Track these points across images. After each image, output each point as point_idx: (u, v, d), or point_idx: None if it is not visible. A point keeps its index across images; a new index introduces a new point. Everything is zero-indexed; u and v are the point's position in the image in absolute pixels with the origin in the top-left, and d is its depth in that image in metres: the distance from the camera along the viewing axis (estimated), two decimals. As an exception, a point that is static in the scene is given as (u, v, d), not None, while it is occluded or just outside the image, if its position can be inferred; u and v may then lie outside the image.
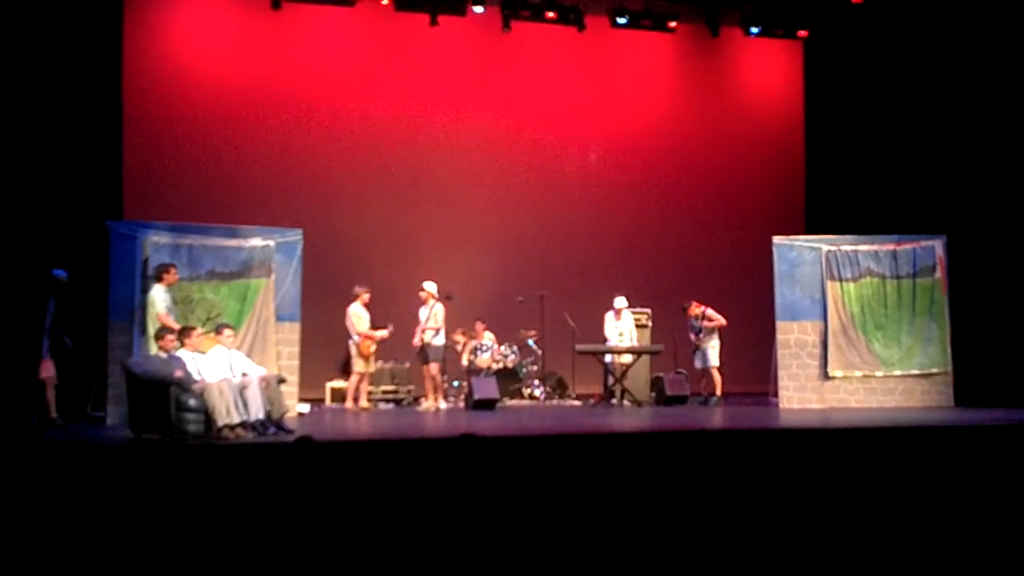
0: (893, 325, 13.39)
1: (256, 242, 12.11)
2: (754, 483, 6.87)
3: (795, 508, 6.13)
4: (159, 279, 11.02)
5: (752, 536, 5.52)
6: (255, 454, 8.61)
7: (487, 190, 15.94)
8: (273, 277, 12.11)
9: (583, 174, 16.45)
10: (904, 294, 13.41)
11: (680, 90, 17.18)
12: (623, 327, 14.16)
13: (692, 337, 14.17)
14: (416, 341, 13.32)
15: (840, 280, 13.38)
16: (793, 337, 13.30)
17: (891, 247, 13.48)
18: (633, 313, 14.38)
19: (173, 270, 11.15)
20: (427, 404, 13.37)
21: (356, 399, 12.91)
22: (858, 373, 13.28)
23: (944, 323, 13.37)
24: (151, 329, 10.63)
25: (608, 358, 14.15)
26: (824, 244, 13.51)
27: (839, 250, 13.43)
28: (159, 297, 10.89)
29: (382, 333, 12.95)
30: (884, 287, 13.43)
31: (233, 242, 11.99)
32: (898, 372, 13.30)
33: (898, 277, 13.43)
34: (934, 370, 13.31)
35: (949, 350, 13.33)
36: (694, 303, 14.19)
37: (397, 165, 15.54)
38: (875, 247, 13.48)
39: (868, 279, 13.41)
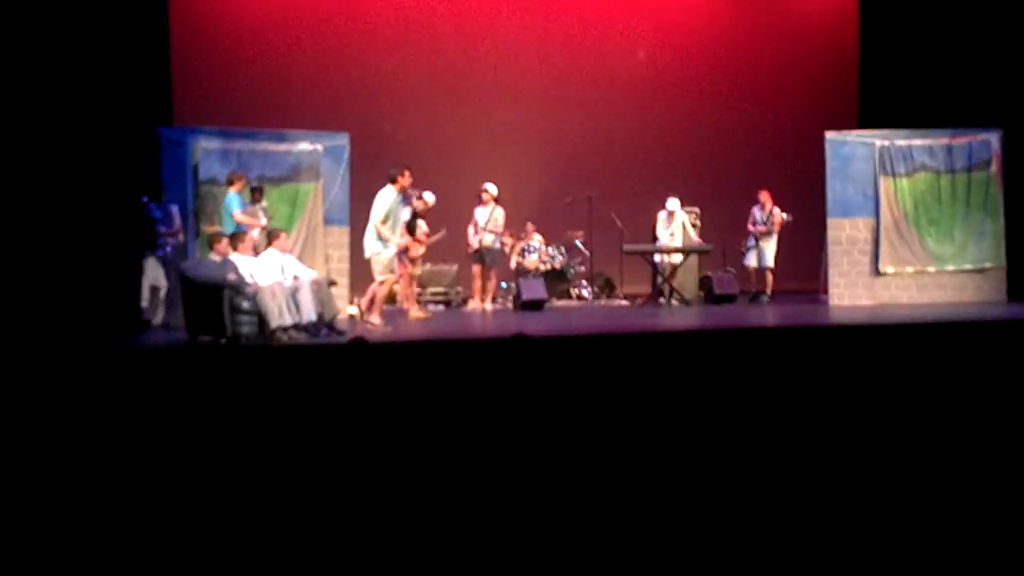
0: (947, 220, 13.22)
1: (304, 146, 12.12)
2: (805, 381, 6.88)
3: (846, 408, 6.14)
4: (231, 184, 11.25)
5: (802, 439, 5.55)
6: (309, 355, 8.76)
7: (534, 90, 15.77)
8: (322, 181, 12.14)
9: (631, 72, 16.19)
10: (958, 189, 13.21)
11: (730, -18, 16.76)
12: (674, 227, 14.07)
13: (751, 228, 13.96)
14: (474, 242, 13.27)
15: (893, 175, 13.18)
16: (844, 234, 13.17)
17: (946, 141, 13.23)
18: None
19: (244, 177, 11.41)
20: (474, 304, 13.39)
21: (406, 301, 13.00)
22: (910, 269, 13.16)
23: (998, 218, 13.18)
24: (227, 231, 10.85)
25: (657, 258, 14.11)
26: (877, 139, 13.27)
27: (892, 144, 13.20)
28: (234, 202, 11.12)
29: (436, 237, 12.96)
30: (938, 182, 13.22)
31: (282, 147, 12.02)
32: (951, 267, 13.17)
33: (952, 171, 13.21)
34: (987, 265, 13.17)
35: (1003, 245, 13.16)
36: (767, 193, 13.99)
37: (443, 65, 15.40)
38: (929, 141, 13.24)
39: (922, 174, 13.20)
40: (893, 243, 13.13)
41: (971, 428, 5.57)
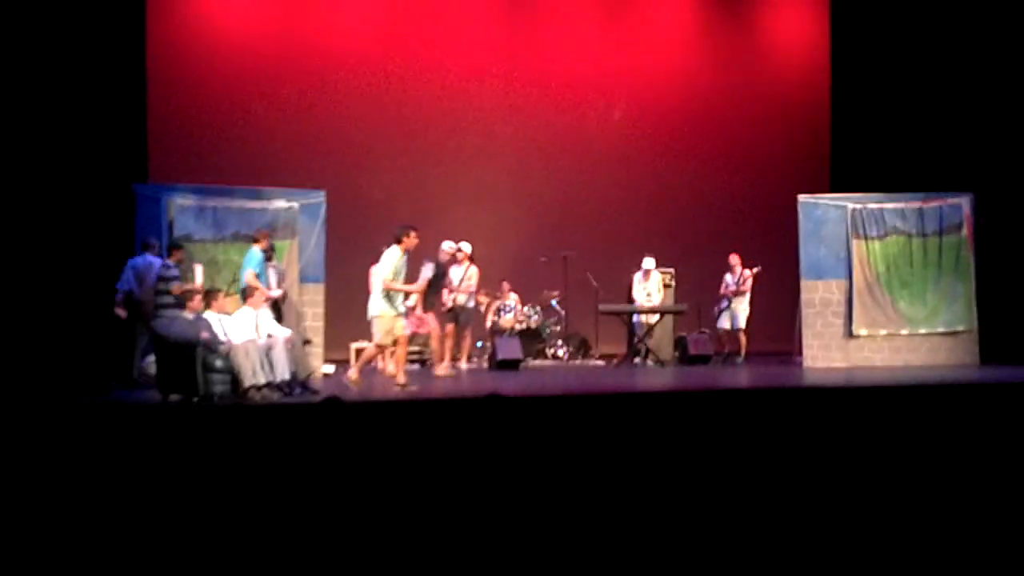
0: (919, 283, 13.33)
1: (280, 204, 12.13)
2: (779, 442, 6.87)
3: (820, 467, 6.14)
4: (255, 241, 11.10)
5: (776, 496, 5.53)
6: (282, 414, 8.68)
7: (510, 149, 15.89)
8: (297, 239, 12.14)
9: (607, 132, 16.35)
10: (930, 252, 13.34)
11: (704, 46, 17.02)
12: (651, 287, 14.15)
13: (723, 289, 14.06)
14: (448, 302, 13.19)
15: (866, 238, 13.31)
16: (818, 296, 13.26)
17: (917, 205, 13.38)
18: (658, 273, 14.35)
19: (268, 235, 11.25)
20: (442, 369, 12.25)
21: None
22: (883, 331, 13.24)
23: (970, 281, 13.31)
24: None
25: (633, 318, 14.15)
26: (849, 202, 13.42)
27: (864, 208, 13.35)
28: (253, 260, 10.89)
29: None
30: (910, 245, 13.35)
31: (257, 204, 12.04)
32: (923, 330, 13.27)
33: (924, 235, 13.36)
34: (960, 328, 13.28)
35: (975, 308, 13.28)
36: (737, 256, 14.10)
37: (420, 125, 15.50)
38: (901, 205, 13.39)
39: (894, 237, 13.34)
40: (866, 305, 13.22)
41: (945, 490, 5.57)
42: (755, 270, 13.91)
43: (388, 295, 10.31)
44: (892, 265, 13.29)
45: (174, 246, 11.21)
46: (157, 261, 11.07)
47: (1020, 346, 12.98)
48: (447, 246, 12.65)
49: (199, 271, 11.09)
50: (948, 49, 14.81)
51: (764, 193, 16.07)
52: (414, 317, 11.71)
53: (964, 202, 13.36)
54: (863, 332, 13.20)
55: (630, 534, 4.86)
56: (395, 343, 10.47)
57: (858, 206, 13.35)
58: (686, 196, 16.37)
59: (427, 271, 11.75)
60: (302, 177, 13.46)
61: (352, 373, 10.51)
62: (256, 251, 10.99)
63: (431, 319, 12.13)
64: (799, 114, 16.95)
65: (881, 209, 13.36)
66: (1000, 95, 14.25)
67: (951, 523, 4.93)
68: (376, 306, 10.38)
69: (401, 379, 10.42)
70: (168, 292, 10.77)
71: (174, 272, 10.92)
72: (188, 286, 10.66)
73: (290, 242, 12.10)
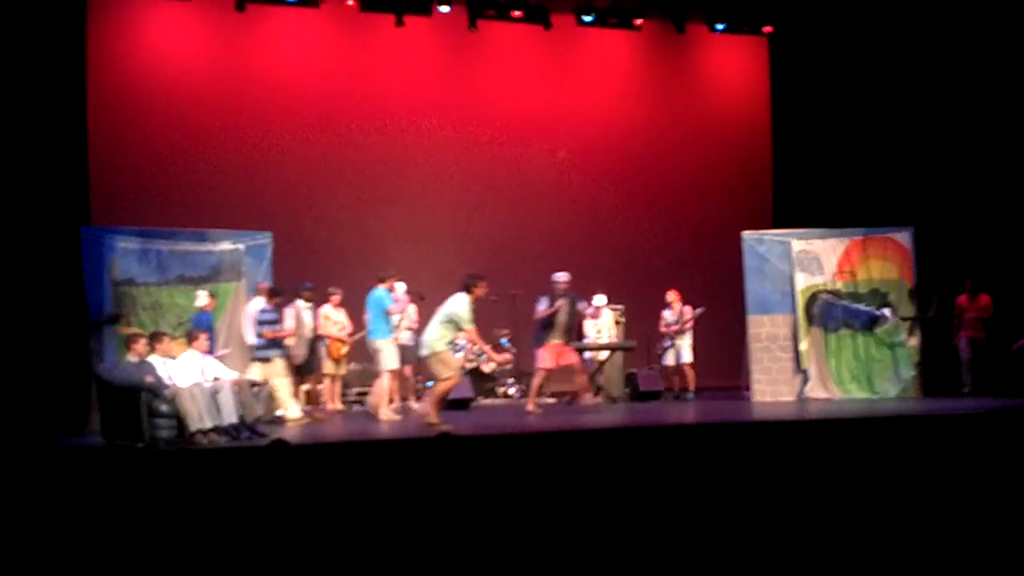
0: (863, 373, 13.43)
1: (226, 246, 12.03)
2: (730, 477, 6.90)
3: (771, 501, 6.16)
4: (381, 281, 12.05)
5: (728, 530, 5.54)
6: (229, 458, 8.56)
7: (456, 189, 15.92)
8: (244, 280, 12.04)
9: (552, 172, 16.44)
10: (872, 348, 13.41)
11: (647, 87, 17.22)
12: (601, 324, 14.18)
13: (664, 329, 14.16)
14: (589, 334, 13.58)
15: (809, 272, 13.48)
16: (764, 331, 13.38)
17: (860, 240, 13.55)
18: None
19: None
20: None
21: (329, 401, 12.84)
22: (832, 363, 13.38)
23: (912, 314, 13.47)
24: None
25: (586, 355, 14.16)
26: (792, 238, 13.59)
27: (808, 250, 13.48)
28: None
29: (359, 335, 12.89)
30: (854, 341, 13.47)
31: (202, 246, 11.92)
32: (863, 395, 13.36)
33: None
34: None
35: (918, 341, 13.41)
36: (676, 293, 14.19)
37: (365, 166, 15.49)
38: (844, 240, 13.54)
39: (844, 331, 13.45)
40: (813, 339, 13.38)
41: (894, 519, 5.62)
42: (699, 311, 13.98)
43: (445, 334, 10.58)
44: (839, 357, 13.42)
45: (273, 292, 11.60)
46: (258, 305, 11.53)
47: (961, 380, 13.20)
48: (561, 276, 12.73)
49: (289, 315, 11.62)
50: (884, 86, 15.15)
51: (709, 229, 16.24)
52: (553, 348, 12.38)
53: (904, 236, 13.55)
54: (807, 365, 13.32)
55: (583, 570, 4.84)
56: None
57: (801, 248, 13.48)
58: (633, 233, 16.49)
59: (541, 304, 12.57)
60: (247, 219, 13.37)
61: (431, 418, 10.41)
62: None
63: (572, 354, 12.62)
64: (741, 151, 17.19)
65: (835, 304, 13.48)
66: (938, 131, 14.56)
67: (901, 552, 4.97)
68: (435, 344, 10.52)
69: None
70: (260, 336, 11.28)
71: (270, 316, 11.37)
72: (131, 329, 10.54)
73: (236, 284, 11.99)
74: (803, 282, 13.43)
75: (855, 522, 5.63)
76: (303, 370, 12.20)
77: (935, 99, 14.59)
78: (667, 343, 14.13)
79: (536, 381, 12.54)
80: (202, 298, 11.46)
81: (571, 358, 12.61)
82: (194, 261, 11.80)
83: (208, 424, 9.46)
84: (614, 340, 14.18)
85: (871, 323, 13.30)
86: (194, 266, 11.75)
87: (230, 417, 9.67)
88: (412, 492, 6.34)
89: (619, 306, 14.66)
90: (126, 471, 7.73)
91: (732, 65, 17.56)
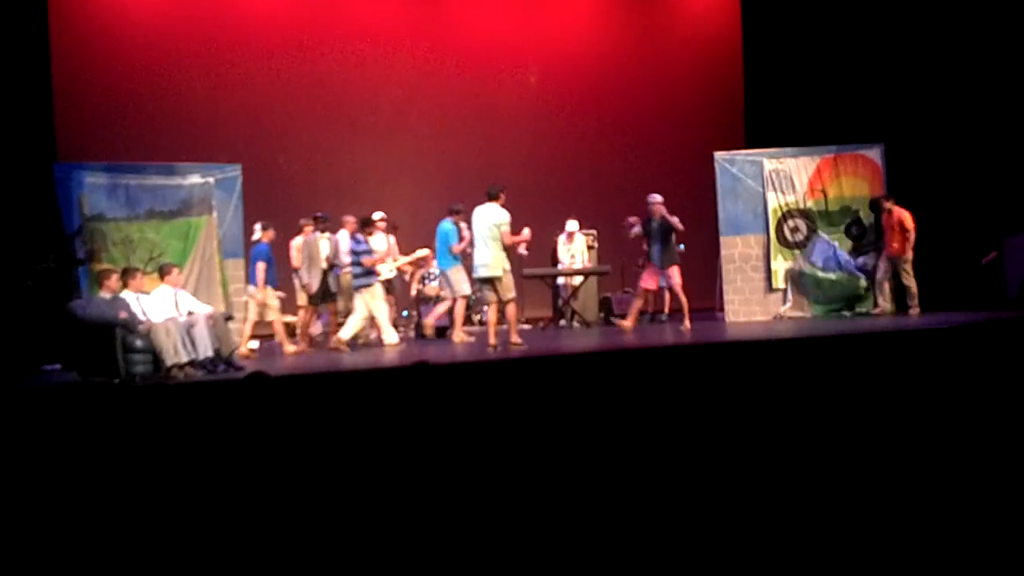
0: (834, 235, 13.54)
1: (195, 179, 11.90)
2: (705, 397, 6.96)
3: (746, 423, 6.23)
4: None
5: (702, 455, 5.60)
6: (206, 392, 8.56)
7: (427, 118, 15.79)
8: (215, 214, 11.93)
9: (524, 98, 16.34)
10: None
11: (618, 10, 17.09)
12: (575, 249, 14.18)
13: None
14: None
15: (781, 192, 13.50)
16: (737, 251, 13.44)
17: (831, 157, 13.57)
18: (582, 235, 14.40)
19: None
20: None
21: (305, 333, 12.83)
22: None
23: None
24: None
25: (558, 280, 14.18)
26: (764, 158, 13.59)
27: (780, 169, 13.48)
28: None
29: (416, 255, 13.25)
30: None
31: (171, 180, 11.78)
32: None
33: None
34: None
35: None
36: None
37: (333, 96, 15.33)
38: (815, 159, 13.55)
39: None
40: (785, 257, 13.45)
41: (871, 441, 5.69)
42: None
43: (502, 250, 10.82)
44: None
45: (366, 222, 12.03)
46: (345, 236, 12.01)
47: (934, 294, 13.29)
48: (656, 198, 12.61)
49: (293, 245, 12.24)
50: (854, 4, 15.04)
51: (681, 152, 16.21)
52: (652, 270, 12.40)
53: (875, 152, 13.57)
54: (782, 284, 13.40)
55: (564, 500, 4.89)
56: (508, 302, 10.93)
57: (773, 167, 13.46)
58: (605, 158, 16.45)
59: (637, 229, 12.66)
60: (216, 152, 13.24)
61: (515, 338, 10.81)
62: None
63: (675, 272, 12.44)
64: (712, 73, 17.11)
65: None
66: (907, 48, 14.51)
67: (876, 477, 5.04)
68: (496, 264, 10.79)
69: (515, 339, 10.89)
70: (358, 264, 11.68)
71: (364, 247, 11.73)
72: (103, 264, 10.47)
73: (207, 217, 11.88)
74: (775, 201, 13.46)
75: (833, 444, 5.70)
76: (317, 299, 12.34)
77: (904, 16, 14.51)
78: (635, 228, 13.98)
79: (636, 304, 12.63)
80: (257, 231, 11.90)
81: (672, 278, 12.46)
82: (164, 195, 11.67)
83: (184, 358, 9.45)
84: (588, 265, 14.19)
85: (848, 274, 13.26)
86: (164, 200, 11.63)
87: (206, 351, 9.67)
88: (389, 421, 6.37)
89: (592, 231, 14.67)
90: (102, 407, 7.73)
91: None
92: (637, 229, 12.86)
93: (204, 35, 14.73)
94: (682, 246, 13.04)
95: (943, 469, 5.00)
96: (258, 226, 11.97)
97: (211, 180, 11.98)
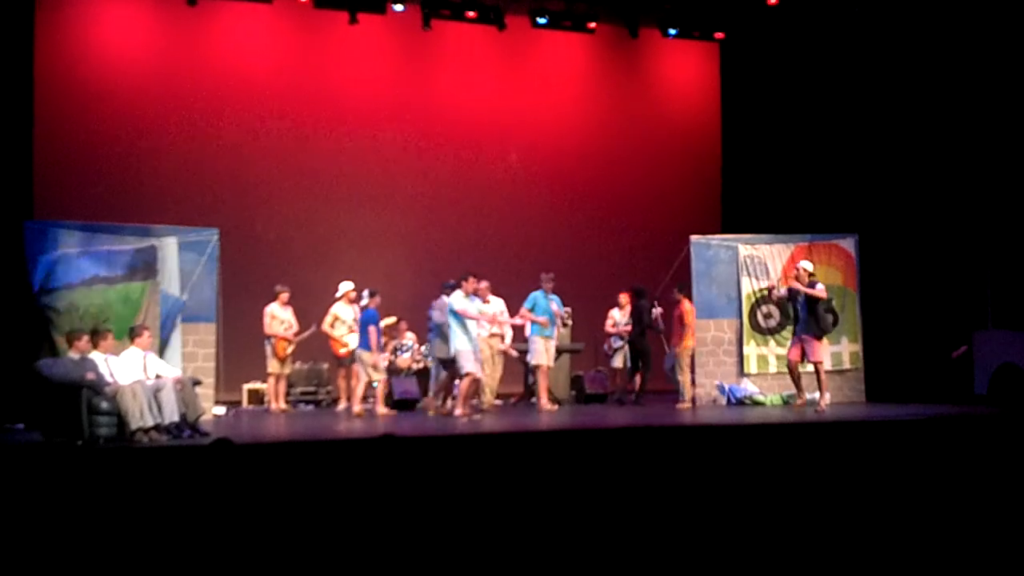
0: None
1: (143, 243, 11.50)
2: (670, 478, 6.95)
3: (712, 504, 6.22)
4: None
5: (666, 532, 5.59)
6: (170, 457, 8.47)
7: (406, 190, 15.88)
8: (158, 278, 11.50)
9: (503, 174, 16.46)
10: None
11: (599, 90, 17.30)
12: (548, 327, 14.16)
13: (612, 329, 14.12)
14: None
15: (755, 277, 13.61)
16: (710, 335, 13.48)
17: (805, 246, 13.69)
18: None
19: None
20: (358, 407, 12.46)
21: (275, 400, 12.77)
22: (773, 369, 13.50)
23: (855, 320, 13.65)
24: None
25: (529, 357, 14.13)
26: (740, 243, 13.70)
27: (755, 255, 13.60)
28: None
29: (305, 334, 12.92)
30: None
31: (145, 242, 11.50)
32: (811, 368, 13.51)
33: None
34: (846, 366, 13.59)
35: (861, 347, 13.61)
36: (627, 295, 14.09)
37: (315, 164, 15.41)
38: (790, 246, 13.68)
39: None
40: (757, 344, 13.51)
41: (833, 527, 5.69)
42: (657, 310, 13.96)
43: (465, 330, 11.50)
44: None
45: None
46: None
47: (904, 384, 13.37)
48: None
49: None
50: (831, 95, 15.32)
51: (658, 234, 16.28)
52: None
53: (849, 243, 13.73)
54: (754, 371, 13.44)
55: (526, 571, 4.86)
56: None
57: (748, 253, 13.58)
58: (582, 236, 16.54)
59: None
60: (195, 216, 13.22)
61: (458, 410, 11.56)
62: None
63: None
64: (691, 156, 17.32)
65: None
66: (882, 139, 14.76)
67: (841, 557, 5.03)
68: (460, 342, 11.48)
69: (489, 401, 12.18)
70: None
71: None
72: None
73: (151, 282, 11.39)
74: (748, 287, 13.56)
75: (799, 525, 5.70)
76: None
77: (880, 108, 14.78)
78: (616, 343, 14.15)
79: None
80: (365, 298, 12.56)
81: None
82: (109, 260, 11.20)
83: (149, 422, 9.35)
84: (561, 343, 14.17)
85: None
86: (109, 265, 11.17)
87: (172, 415, 9.56)
88: (355, 492, 6.32)
89: (567, 309, 14.67)
90: (64, 468, 7.63)
91: (684, 71, 17.70)
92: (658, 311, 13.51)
93: (188, 99, 14.80)
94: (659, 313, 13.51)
95: (905, 560, 5.00)
96: (365, 293, 12.45)
97: (154, 243, 11.57)
